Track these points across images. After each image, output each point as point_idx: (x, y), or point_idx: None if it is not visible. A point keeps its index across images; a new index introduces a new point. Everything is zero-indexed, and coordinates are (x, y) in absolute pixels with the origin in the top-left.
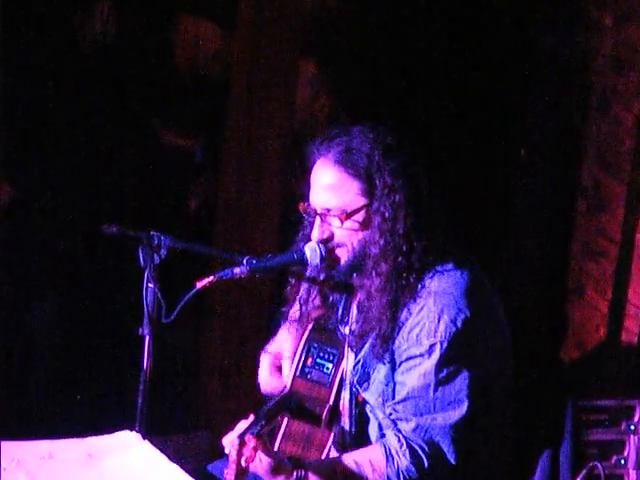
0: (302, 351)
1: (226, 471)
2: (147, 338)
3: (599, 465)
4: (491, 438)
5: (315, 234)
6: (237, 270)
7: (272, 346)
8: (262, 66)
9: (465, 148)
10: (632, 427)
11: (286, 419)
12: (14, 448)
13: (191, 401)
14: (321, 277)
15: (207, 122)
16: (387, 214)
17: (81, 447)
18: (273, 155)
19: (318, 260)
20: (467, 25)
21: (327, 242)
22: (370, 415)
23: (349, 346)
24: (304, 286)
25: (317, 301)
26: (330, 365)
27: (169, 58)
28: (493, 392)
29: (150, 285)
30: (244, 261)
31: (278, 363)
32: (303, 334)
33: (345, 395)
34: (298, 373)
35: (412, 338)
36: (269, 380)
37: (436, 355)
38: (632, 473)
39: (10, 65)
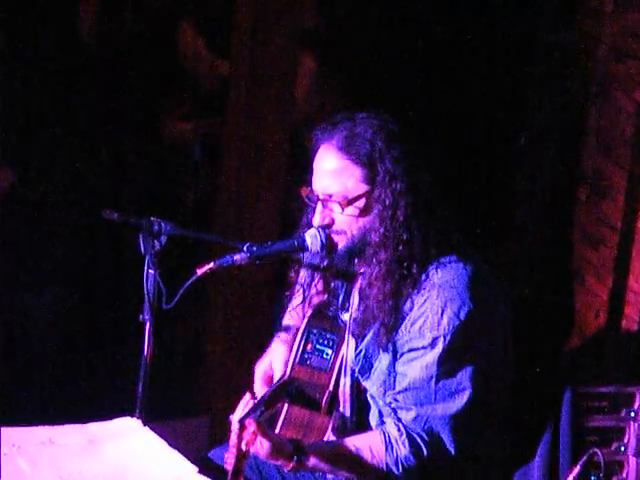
0: (301, 337)
1: (227, 455)
2: (147, 324)
3: (599, 452)
4: (490, 428)
5: (316, 219)
6: (237, 257)
7: (265, 358)
8: (261, 60)
9: (464, 136)
10: (632, 414)
11: (286, 405)
12: (14, 434)
13: (191, 387)
14: (323, 263)
15: (208, 113)
16: (388, 201)
17: (81, 433)
18: (272, 144)
19: (319, 247)
20: (466, 14)
21: (327, 228)
22: (370, 402)
23: (350, 333)
24: (306, 272)
25: (319, 286)
26: (329, 351)
27: (170, 52)
28: (493, 383)
29: (151, 271)
30: (244, 248)
31: (270, 373)
32: (302, 320)
33: (346, 381)
34: (298, 359)
35: (415, 330)
36: (261, 391)
37: (439, 348)
38: (632, 460)
39: (10, 57)
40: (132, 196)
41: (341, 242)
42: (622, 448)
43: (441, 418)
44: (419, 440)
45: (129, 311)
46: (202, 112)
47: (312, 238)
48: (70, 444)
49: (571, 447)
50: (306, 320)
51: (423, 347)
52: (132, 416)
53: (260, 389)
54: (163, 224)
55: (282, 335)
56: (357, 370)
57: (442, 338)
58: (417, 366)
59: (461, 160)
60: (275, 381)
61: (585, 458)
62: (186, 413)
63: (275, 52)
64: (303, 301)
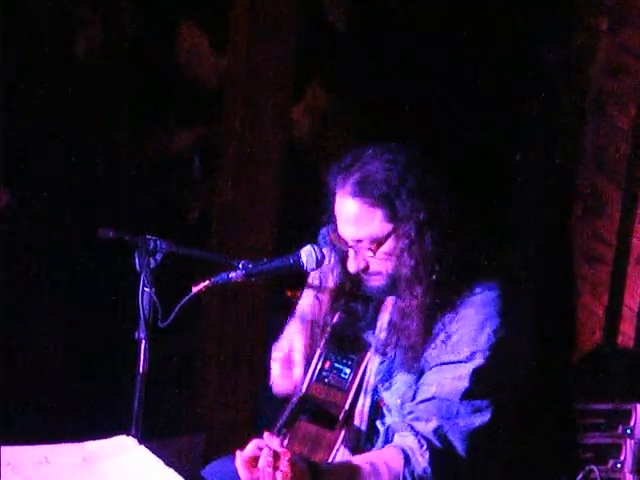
0: (319, 356)
1: None
2: (143, 342)
3: (595, 469)
4: (503, 445)
5: (352, 266)
6: (233, 274)
7: (282, 341)
8: (257, 74)
9: (459, 152)
10: (628, 431)
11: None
12: (10, 453)
13: (187, 405)
14: (346, 288)
15: (205, 130)
16: (413, 234)
17: (77, 452)
18: (269, 161)
19: (314, 264)
20: (461, 31)
21: (364, 272)
22: (386, 414)
23: (376, 351)
24: (326, 291)
25: (336, 304)
26: (348, 370)
27: (168, 68)
28: (515, 404)
29: (146, 289)
30: (240, 265)
31: (289, 359)
32: (320, 336)
33: (366, 401)
34: (315, 377)
35: (450, 345)
36: (283, 381)
37: (475, 362)
38: (628, 477)
39: (7, 71)
40: (128, 214)
41: (379, 282)
42: (618, 465)
43: (461, 432)
44: (438, 453)
45: (124, 329)
46: (201, 120)
47: (307, 255)
48: (66, 463)
49: (568, 464)
50: (325, 338)
51: (458, 361)
52: (128, 434)
53: (279, 373)
54: (159, 242)
55: (297, 324)
56: (378, 380)
57: (480, 353)
58: (448, 377)
59: (455, 178)
60: (291, 399)
61: (582, 475)
62: (181, 431)
63: (273, 63)
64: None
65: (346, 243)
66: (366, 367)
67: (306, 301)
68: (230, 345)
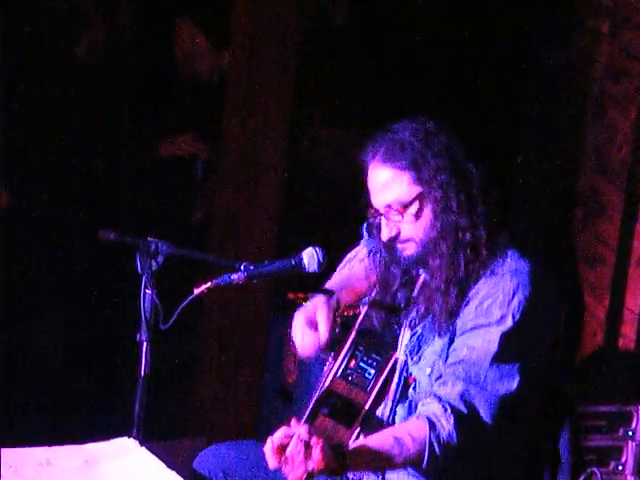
0: (347, 353)
1: (289, 474)
2: (144, 344)
3: (597, 471)
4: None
5: (384, 234)
6: (234, 276)
7: (308, 307)
8: (259, 77)
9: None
10: (630, 433)
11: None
12: (11, 455)
13: (188, 407)
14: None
15: (205, 133)
16: (438, 196)
17: (78, 454)
18: (270, 163)
19: (316, 266)
20: (463, 34)
21: (396, 239)
22: (411, 393)
23: (408, 326)
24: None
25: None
26: (372, 371)
27: (168, 69)
28: (537, 381)
29: (147, 291)
30: (241, 267)
31: (313, 321)
32: (351, 329)
33: (394, 379)
34: (340, 373)
35: (482, 309)
36: (304, 338)
37: (505, 326)
38: (630, 479)
39: (7, 72)
40: (129, 215)
41: (412, 248)
42: (620, 467)
43: (487, 398)
44: (462, 416)
45: (126, 331)
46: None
47: (309, 257)
48: (67, 465)
49: (569, 466)
50: (353, 335)
51: (489, 323)
52: (129, 436)
53: (301, 334)
54: (160, 244)
55: (327, 293)
56: (408, 351)
57: (511, 316)
58: (479, 339)
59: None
60: (316, 393)
61: (583, 477)
62: (183, 433)
63: (273, 68)
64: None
65: (379, 214)
66: (395, 365)
67: (355, 269)
68: (231, 347)
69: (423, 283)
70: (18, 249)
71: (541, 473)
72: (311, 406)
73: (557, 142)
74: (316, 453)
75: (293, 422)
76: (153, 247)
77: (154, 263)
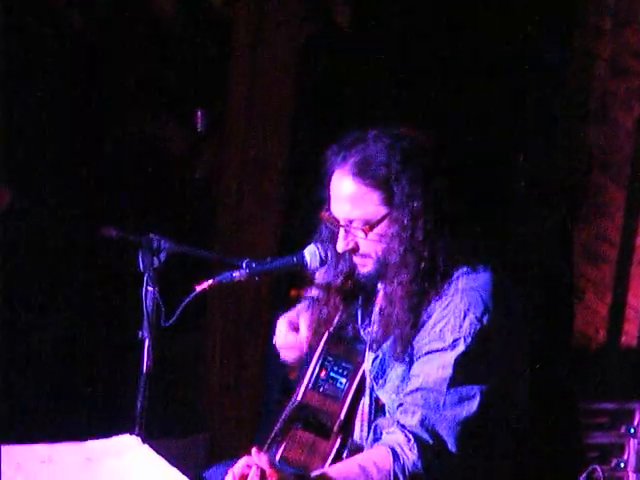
0: (316, 363)
1: None
2: (146, 341)
3: (599, 468)
4: (497, 439)
5: (340, 245)
6: (237, 273)
7: (291, 312)
8: (261, 76)
9: (462, 153)
10: (632, 430)
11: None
12: (14, 452)
13: (190, 405)
14: (338, 281)
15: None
16: (406, 222)
17: (81, 451)
18: (274, 158)
19: (318, 263)
20: (465, 30)
21: (353, 253)
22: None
23: (369, 349)
24: (322, 290)
25: (337, 302)
26: (344, 380)
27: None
28: (506, 396)
29: (150, 288)
30: (244, 264)
31: (295, 324)
32: (319, 342)
33: (364, 401)
34: (311, 385)
35: (435, 333)
36: (286, 339)
37: (458, 350)
38: (632, 476)
39: (6, 68)
40: (131, 213)
41: (368, 266)
42: (622, 464)
43: (448, 424)
44: (426, 445)
45: (128, 328)
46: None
47: (311, 255)
48: (69, 462)
49: (571, 463)
50: (322, 344)
51: (442, 348)
52: (131, 434)
53: (284, 336)
54: (162, 241)
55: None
56: (372, 377)
57: (462, 340)
58: (433, 366)
59: (458, 177)
60: (287, 405)
61: (585, 474)
62: (185, 431)
63: (276, 66)
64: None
65: (338, 223)
66: (363, 373)
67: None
68: (234, 344)
69: (381, 308)
70: (19, 247)
71: (541, 472)
72: (282, 421)
73: (560, 140)
74: None
75: (253, 451)
76: (155, 244)
77: (156, 260)
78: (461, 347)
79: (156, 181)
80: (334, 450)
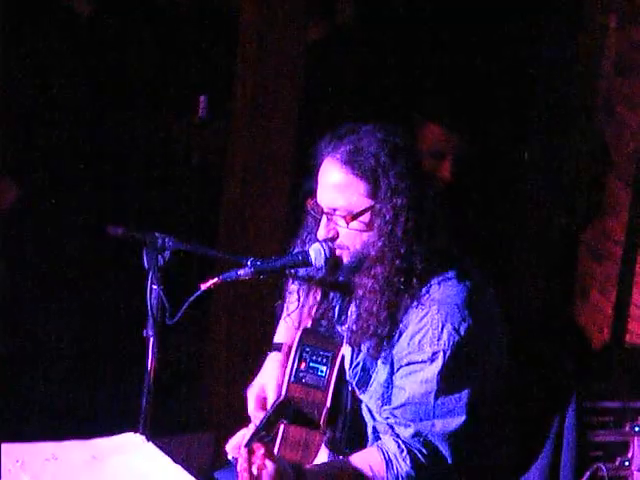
0: (295, 355)
1: None
2: (151, 340)
3: (603, 467)
4: (490, 442)
5: (321, 232)
6: (241, 272)
7: (257, 381)
8: (267, 74)
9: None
10: (636, 429)
11: (282, 425)
12: (18, 449)
13: (195, 403)
14: (318, 276)
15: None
16: (388, 216)
17: (85, 449)
18: (279, 157)
19: (323, 261)
20: (470, 27)
21: (331, 241)
22: (366, 417)
23: (348, 343)
24: (303, 285)
25: (317, 296)
26: (324, 368)
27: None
28: (490, 399)
29: (154, 286)
30: (248, 262)
31: (264, 395)
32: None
33: (345, 393)
34: (292, 379)
35: (414, 344)
36: (257, 414)
37: (438, 363)
38: (636, 475)
39: (11, 65)
40: (136, 210)
41: (344, 256)
42: (626, 463)
43: (440, 434)
44: (419, 456)
45: (133, 326)
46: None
47: (316, 253)
48: (74, 460)
49: (575, 462)
50: (298, 337)
51: (422, 361)
52: (136, 432)
53: (255, 413)
54: (167, 239)
55: (274, 355)
56: (355, 383)
57: (442, 353)
58: (416, 380)
59: (464, 175)
60: (271, 403)
61: (589, 473)
62: (190, 429)
63: (282, 62)
64: (299, 307)
65: (322, 210)
66: (342, 360)
67: (285, 324)
68: (238, 342)
69: (356, 300)
70: (25, 245)
71: (545, 470)
72: (265, 416)
73: (564, 138)
74: (257, 457)
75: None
76: (160, 242)
77: (161, 258)
78: (440, 360)
79: (160, 179)
80: (323, 442)
